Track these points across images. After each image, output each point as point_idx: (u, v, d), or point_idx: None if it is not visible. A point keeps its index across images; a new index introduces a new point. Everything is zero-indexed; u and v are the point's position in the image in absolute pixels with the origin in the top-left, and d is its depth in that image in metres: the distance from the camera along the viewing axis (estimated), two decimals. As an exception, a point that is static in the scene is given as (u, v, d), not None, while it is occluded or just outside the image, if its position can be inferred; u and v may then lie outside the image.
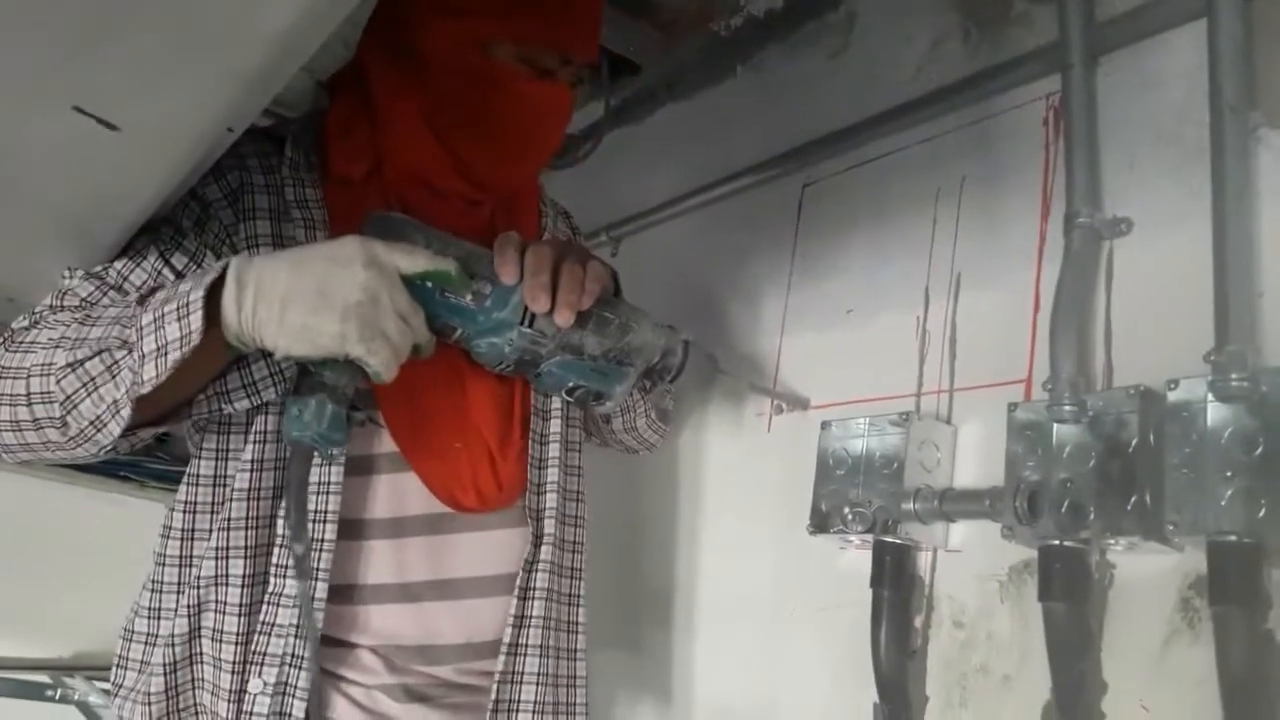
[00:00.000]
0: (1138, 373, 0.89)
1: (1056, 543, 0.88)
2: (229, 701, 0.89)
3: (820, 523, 1.10)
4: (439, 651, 0.97)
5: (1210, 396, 0.82)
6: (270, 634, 0.89)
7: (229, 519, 0.91)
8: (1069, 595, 0.88)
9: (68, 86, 0.59)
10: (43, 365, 0.82)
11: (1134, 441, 0.86)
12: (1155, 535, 0.83)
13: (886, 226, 1.21)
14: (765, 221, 1.40)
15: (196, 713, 0.92)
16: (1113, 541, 0.86)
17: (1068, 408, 0.90)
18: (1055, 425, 0.92)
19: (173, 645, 0.91)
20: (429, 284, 0.87)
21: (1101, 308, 0.96)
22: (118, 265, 0.91)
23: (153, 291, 0.85)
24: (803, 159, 1.34)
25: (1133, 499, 0.84)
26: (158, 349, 0.77)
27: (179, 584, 0.93)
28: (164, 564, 0.94)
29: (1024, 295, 1.03)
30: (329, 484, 0.91)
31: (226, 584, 0.90)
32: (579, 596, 1.07)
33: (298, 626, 0.89)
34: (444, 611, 0.96)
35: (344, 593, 0.93)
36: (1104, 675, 0.87)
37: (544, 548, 1.01)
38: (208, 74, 0.58)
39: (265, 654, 0.89)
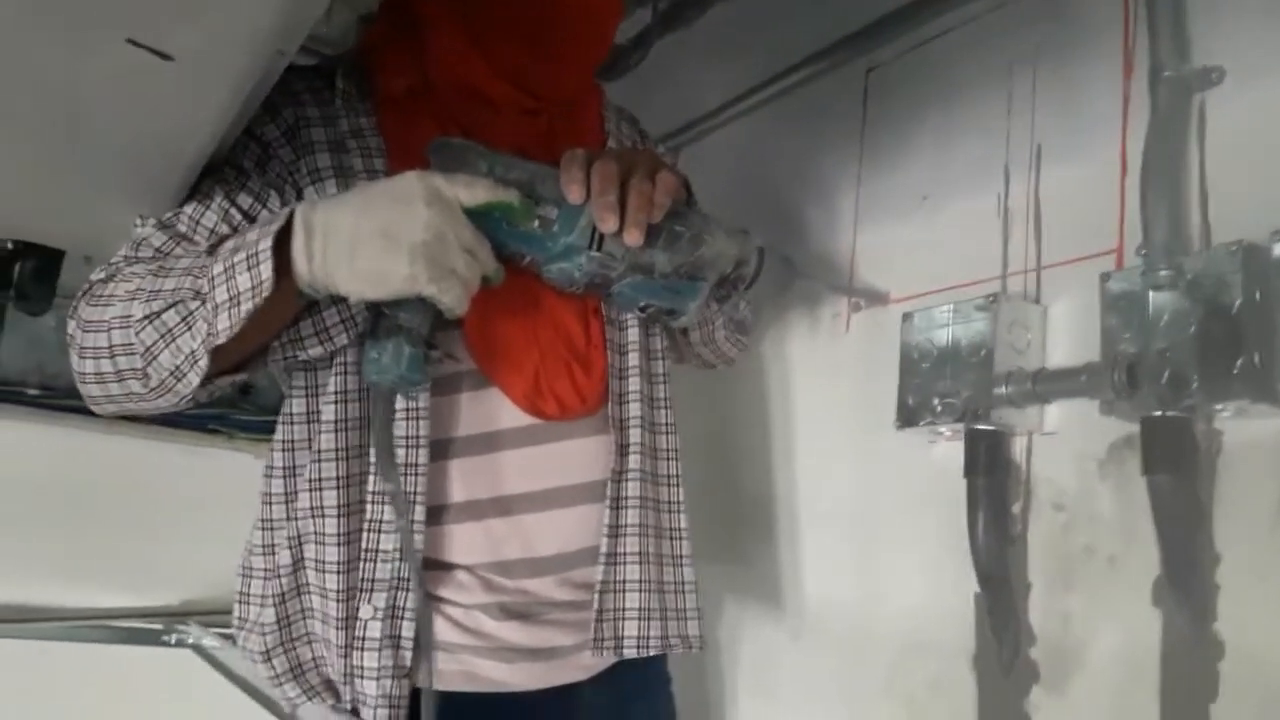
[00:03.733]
0: (1238, 229, 0.85)
1: (1159, 414, 0.85)
2: (338, 628, 0.91)
3: (908, 417, 1.08)
4: (535, 564, 0.97)
5: (1321, 246, 0.77)
6: (375, 560, 0.91)
7: (319, 451, 0.92)
8: (1175, 467, 0.85)
9: (119, 18, 0.59)
10: (122, 318, 0.83)
11: (1238, 302, 0.82)
12: (1266, 397, 0.79)
13: (958, 105, 1.16)
14: (830, 113, 1.35)
15: (309, 640, 0.94)
16: (1219, 408, 0.83)
17: (1164, 273, 0.86)
18: (1151, 293, 0.88)
19: (279, 577, 0.93)
20: (494, 214, 0.86)
21: (1195, 165, 0.91)
22: (187, 210, 0.91)
23: (222, 240, 0.85)
24: (864, 43, 1.28)
25: (1239, 362, 0.81)
26: (230, 299, 0.78)
27: (285, 519, 0.95)
28: (269, 502, 0.97)
29: (1110, 161, 0.98)
30: (418, 409, 0.92)
31: (323, 515, 0.92)
32: (678, 503, 1.06)
33: (400, 551, 0.90)
34: (535, 522, 0.97)
35: (436, 513, 0.94)
36: (1216, 547, 0.84)
37: (631, 456, 1.00)
38: (253, -9, 0.57)
39: (374, 580, 0.91)
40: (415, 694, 0.90)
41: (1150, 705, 0.86)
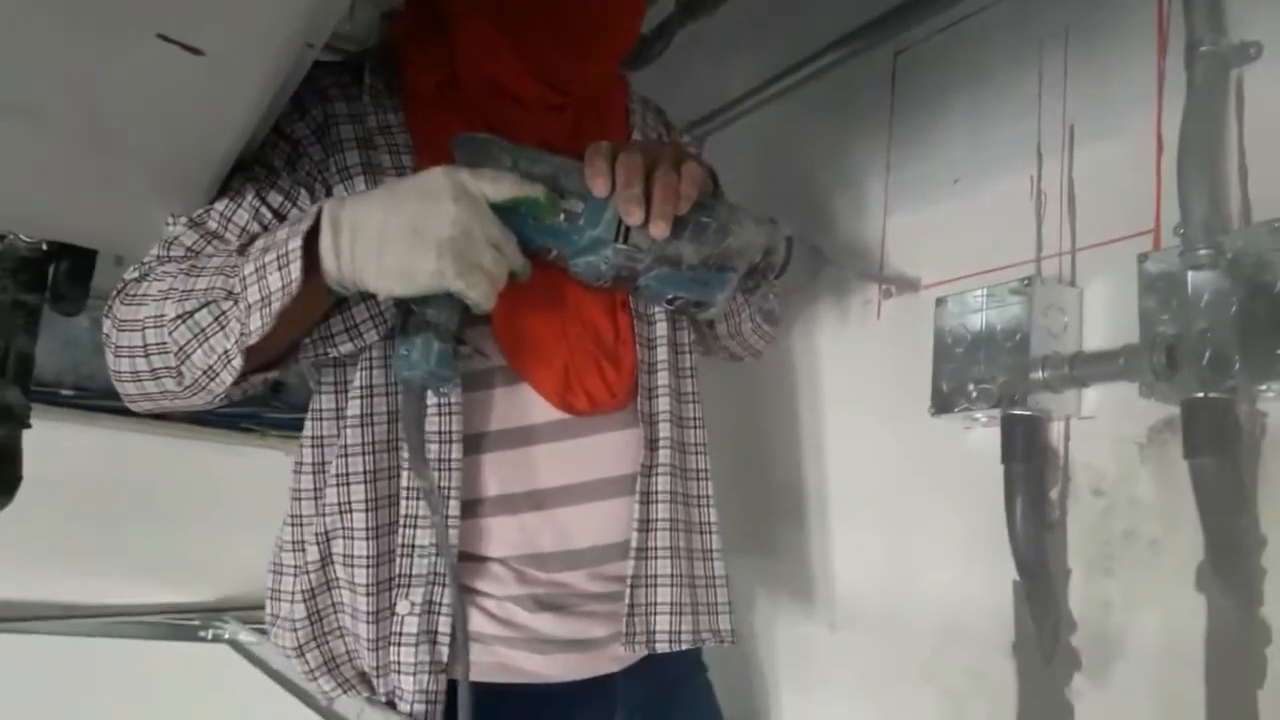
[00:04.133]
0: (1279, 207, 0.83)
1: (1200, 395, 0.84)
2: (368, 623, 0.91)
3: (943, 404, 1.07)
4: (568, 557, 0.97)
5: (1366, 222, 0.76)
6: (412, 555, 0.91)
7: (346, 445, 0.92)
8: (1218, 449, 0.84)
9: (150, 14, 0.59)
10: (155, 317, 0.84)
11: (1279, 282, 0.80)
12: (1311, 377, 0.78)
13: (988, 87, 1.15)
14: (857, 98, 1.34)
15: (341, 635, 0.95)
16: (1263, 388, 0.81)
17: (1203, 252, 0.85)
18: (1190, 273, 0.86)
19: (308, 573, 0.93)
20: (520, 209, 0.86)
21: (1233, 141, 0.89)
22: (218, 207, 0.92)
23: (253, 240, 0.86)
24: (892, 25, 1.26)
25: (1283, 341, 0.79)
26: (261, 299, 0.78)
27: (314, 515, 0.96)
28: (299, 498, 0.97)
29: (1145, 139, 0.96)
30: (450, 404, 0.92)
31: (350, 510, 0.92)
32: (708, 497, 1.06)
33: (436, 546, 0.90)
34: (569, 515, 0.97)
35: (470, 506, 0.94)
36: (1262, 529, 0.82)
37: (661, 451, 1.00)
38: (281, -16, 0.57)
39: (411, 575, 0.91)
40: (452, 687, 0.91)
41: (1195, 692, 0.84)
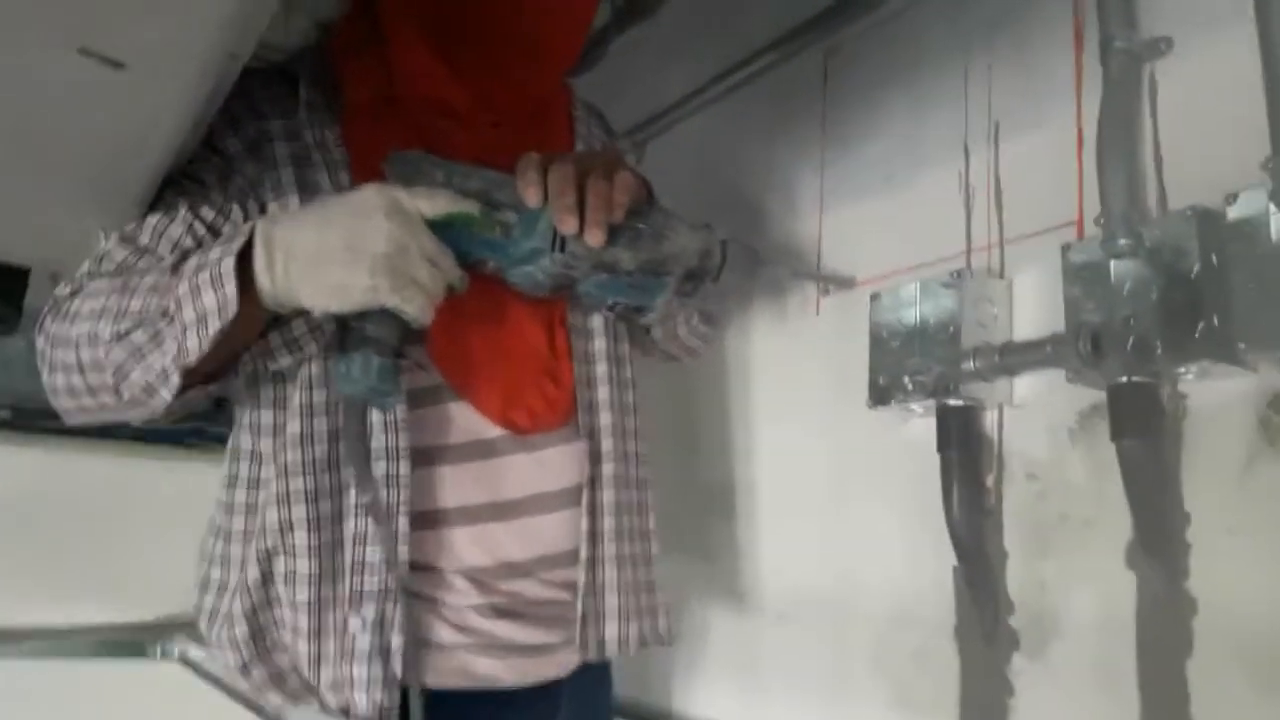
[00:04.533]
0: (1193, 195, 0.86)
1: (1125, 380, 0.86)
2: (308, 640, 0.91)
3: (880, 396, 1.09)
4: (519, 567, 0.98)
5: (1272, 207, 0.78)
6: (362, 573, 0.91)
7: (286, 464, 0.92)
8: (1143, 431, 0.86)
9: (70, 29, 0.59)
10: (89, 335, 0.83)
11: (1196, 267, 0.83)
12: (1227, 357, 0.80)
13: (916, 85, 1.17)
14: (791, 100, 1.36)
15: (285, 649, 0.94)
16: (1183, 371, 0.84)
17: (1123, 241, 0.87)
18: (1112, 262, 0.89)
19: (249, 593, 0.92)
20: (455, 224, 0.86)
21: (1148, 134, 0.92)
22: (151, 221, 0.91)
23: (185, 256, 0.85)
24: (823, 27, 1.28)
25: (1200, 325, 0.82)
26: (197, 318, 0.78)
27: (245, 531, 0.95)
28: (231, 512, 0.96)
29: (1067, 134, 0.99)
30: (396, 421, 0.92)
31: (292, 528, 0.92)
32: (647, 505, 1.08)
33: (387, 562, 0.90)
34: (513, 530, 0.97)
35: (425, 518, 0.94)
36: (1186, 507, 0.85)
37: (605, 465, 1.01)
38: (200, -4, 0.57)
39: (362, 592, 0.90)
40: (403, 693, 0.91)
41: (1128, 665, 0.87)
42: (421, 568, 0.95)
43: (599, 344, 1.05)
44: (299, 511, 0.92)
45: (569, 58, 1.06)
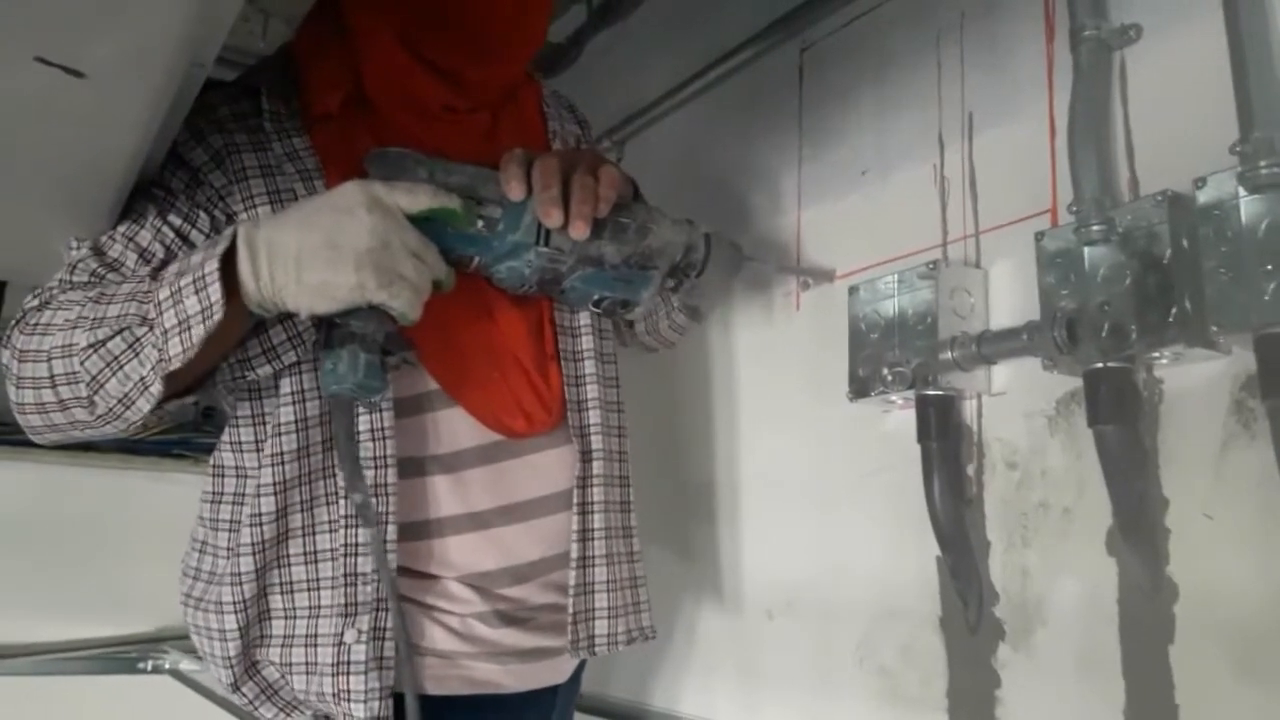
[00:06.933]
0: (1164, 180, 0.86)
1: (1100, 365, 0.87)
2: (306, 646, 0.91)
3: (860, 388, 1.09)
4: (516, 572, 0.98)
5: (1241, 191, 0.78)
6: (356, 584, 0.90)
7: (284, 480, 0.91)
8: (1119, 416, 0.86)
9: (24, 37, 0.58)
10: (63, 347, 0.82)
11: (1168, 252, 0.83)
12: (1200, 341, 0.80)
13: (891, 79, 1.18)
14: (767, 96, 1.36)
15: (276, 663, 0.94)
16: (1157, 355, 0.84)
17: (1095, 228, 0.87)
18: (1086, 249, 0.89)
19: (245, 609, 0.92)
20: (438, 220, 0.86)
21: (1119, 121, 0.92)
22: (120, 229, 0.91)
23: (163, 265, 0.85)
24: (797, 23, 1.29)
25: (1173, 310, 0.82)
26: (179, 323, 0.77)
27: (230, 548, 0.94)
28: (217, 528, 0.96)
29: (1039, 123, 1.00)
30: (383, 429, 0.91)
31: (283, 542, 0.92)
32: (630, 503, 1.08)
33: (378, 571, 0.90)
34: (513, 534, 0.98)
35: (418, 528, 0.94)
36: (1164, 491, 0.85)
37: (595, 462, 1.01)
38: (159, 2, 0.57)
39: (357, 603, 0.90)
40: (398, 699, 0.90)
41: (1111, 652, 0.87)
42: (420, 575, 0.95)
43: (586, 342, 1.05)
44: (293, 522, 0.91)
45: (535, 43, 1.05)
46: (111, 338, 0.80)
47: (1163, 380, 0.87)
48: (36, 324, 0.85)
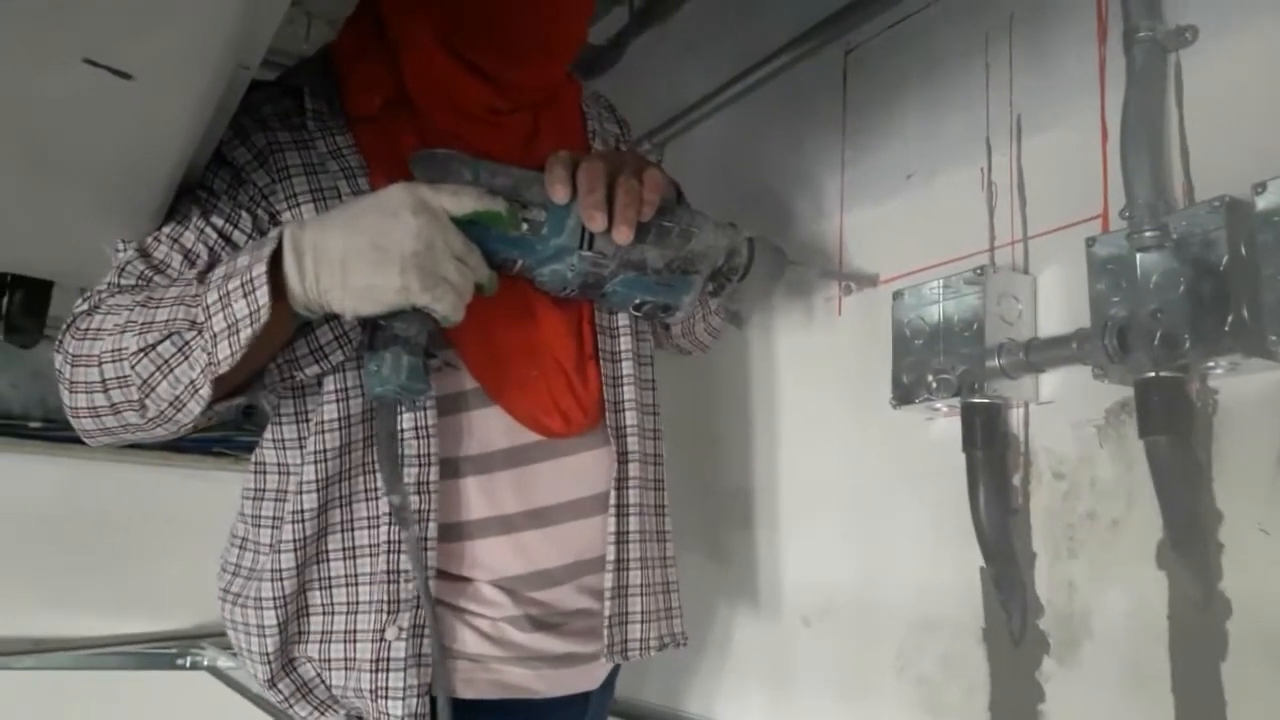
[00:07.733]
0: (1221, 185, 0.84)
1: (1153, 375, 0.84)
2: (345, 642, 0.92)
3: (904, 395, 1.07)
4: (548, 575, 0.98)
5: (1303, 196, 0.77)
6: (399, 581, 0.91)
7: (326, 478, 0.91)
8: (1172, 427, 0.84)
9: (74, 39, 0.59)
10: (113, 351, 0.82)
11: (1224, 259, 0.81)
12: (1258, 351, 0.78)
13: (937, 82, 1.16)
14: (810, 98, 1.35)
15: (313, 660, 0.94)
16: (1212, 365, 0.82)
17: (1149, 234, 0.85)
18: (1138, 255, 0.87)
19: (284, 605, 0.92)
20: (482, 222, 0.85)
21: (1174, 124, 0.90)
22: (165, 230, 0.91)
23: (209, 266, 0.85)
24: (841, 25, 1.27)
25: (1229, 318, 0.80)
26: (228, 327, 0.78)
27: (273, 544, 0.94)
28: (258, 525, 0.96)
29: (1090, 126, 0.97)
30: (427, 427, 0.91)
31: (324, 537, 0.92)
32: (664, 506, 1.08)
33: (418, 569, 0.89)
34: (538, 539, 0.97)
35: (452, 530, 0.94)
36: (1217, 505, 0.83)
37: (631, 464, 1.01)
38: (207, 4, 0.57)
39: (399, 600, 0.90)
40: (431, 702, 0.90)
41: (1161, 668, 0.85)
42: (452, 578, 0.95)
43: (624, 343, 1.04)
44: (332, 518, 0.92)
45: (575, 44, 1.05)
46: (161, 341, 0.81)
47: (1217, 391, 0.85)
48: (87, 329, 0.85)
